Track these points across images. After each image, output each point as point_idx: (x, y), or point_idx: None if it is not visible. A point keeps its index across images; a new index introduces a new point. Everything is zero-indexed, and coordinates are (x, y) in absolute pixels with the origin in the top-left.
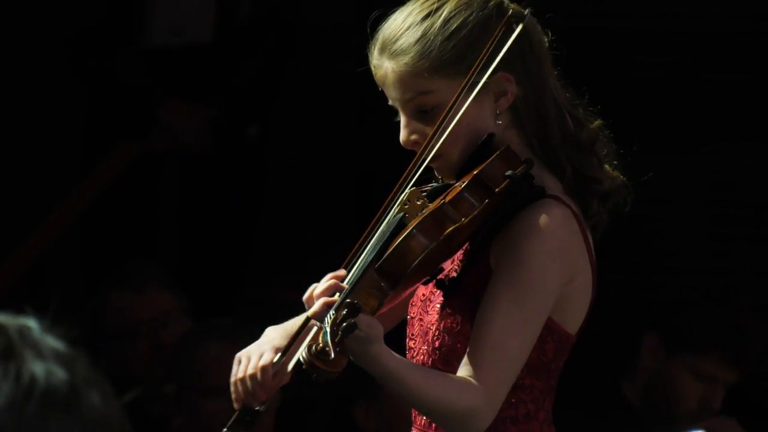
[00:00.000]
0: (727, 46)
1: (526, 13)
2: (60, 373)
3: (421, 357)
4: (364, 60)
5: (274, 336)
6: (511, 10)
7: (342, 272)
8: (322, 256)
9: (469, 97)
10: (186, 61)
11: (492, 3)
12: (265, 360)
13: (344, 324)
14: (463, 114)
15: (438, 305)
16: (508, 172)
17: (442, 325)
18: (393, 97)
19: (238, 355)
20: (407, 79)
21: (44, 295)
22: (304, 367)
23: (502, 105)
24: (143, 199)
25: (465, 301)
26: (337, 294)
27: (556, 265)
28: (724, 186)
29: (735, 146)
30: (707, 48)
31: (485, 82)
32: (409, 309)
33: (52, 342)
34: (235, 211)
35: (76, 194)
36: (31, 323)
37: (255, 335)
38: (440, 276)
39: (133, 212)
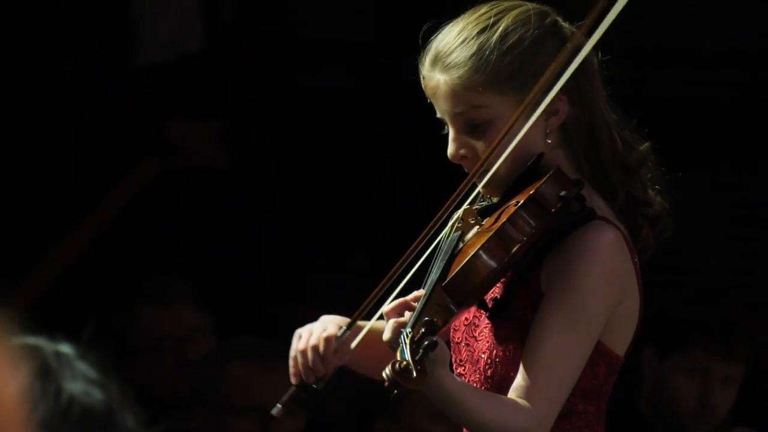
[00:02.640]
0: (745, 65)
1: (576, 31)
2: (97, 395)
3: (474, 385)
4: (385, 75)
5: (336, 317)
6: (564, 30)
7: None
8: (340, 271)
9: (527, 117)
10: (186, 74)
11: (548, 21)
12: (329, 332)
13: (425, 342)
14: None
15: (486, 330)
16: (563, 193)
17: (494, 355)
18: (443, 109)
19: (299, 330)
20: (460, 92)
21: (66, 313)
22: (386, 384)
23: (552, 123)
24: (165, 215)
25: (514, 327)
26: (407, 313)
27: (607, 288)
28: (744, 203)
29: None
30: (720, 66)
31: (542, 103)
32: (452, 334)
33: (86, 367)
34: (249, 221)
35: (98, 211)
36: (66, 348)
37: (280, 353)
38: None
39: (154, 228)
